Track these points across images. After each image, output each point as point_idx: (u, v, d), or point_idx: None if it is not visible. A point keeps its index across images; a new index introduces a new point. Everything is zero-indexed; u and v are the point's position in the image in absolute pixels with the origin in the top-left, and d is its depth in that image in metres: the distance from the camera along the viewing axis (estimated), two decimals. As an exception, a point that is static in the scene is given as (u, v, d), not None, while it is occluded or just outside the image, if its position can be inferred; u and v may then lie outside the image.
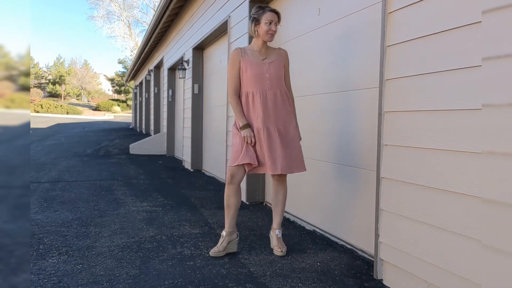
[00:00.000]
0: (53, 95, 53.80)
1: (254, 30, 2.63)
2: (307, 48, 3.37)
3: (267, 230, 3.21)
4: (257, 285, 2.19)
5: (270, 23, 2.58)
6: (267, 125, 2.58)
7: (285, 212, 3.70)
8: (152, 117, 13.32)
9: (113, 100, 49.33)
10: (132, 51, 34.72)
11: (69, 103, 45.08)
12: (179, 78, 7.55)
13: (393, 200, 2.15)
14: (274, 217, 2.79)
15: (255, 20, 2.61)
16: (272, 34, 2.60)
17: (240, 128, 2.60)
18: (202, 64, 6.76)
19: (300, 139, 2.73)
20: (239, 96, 2.66)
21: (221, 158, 5.48)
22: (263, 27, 2.59)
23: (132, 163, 7.60)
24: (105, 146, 10.74)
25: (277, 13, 2.62)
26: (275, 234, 2.75)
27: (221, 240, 2.67)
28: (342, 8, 2.87)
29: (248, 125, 2.59)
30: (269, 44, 2.75)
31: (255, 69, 2.60)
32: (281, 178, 2.73)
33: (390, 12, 2.17)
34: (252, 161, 2.54)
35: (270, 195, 2.81)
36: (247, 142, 2.56)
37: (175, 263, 2.48)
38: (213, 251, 2.62)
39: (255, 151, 2.59)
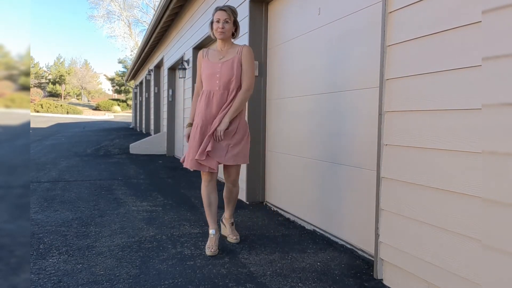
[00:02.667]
0: (53, 94, 53.83)
1: (212, 32, 2.73)
2: (307, 48, 3.37)
3: (267, 230, 3.22)
4: (257, 285, 2.19)
5: (218, 21, 2.65)
6: (205, 123, 2.67)
7: (285, 211, 3.71)
8: (152, 116, 13.32)
9: (113, 99, 49.33)
10: (132, 51, 34.73)
11: (69, 103, 45.09)
12: (179, 77, 7.56)
13: (393, 200, 2.15)
14: (227, 210, 2.98)
15: (211, 22, 2.71)
16: (220, 32, 2.65)
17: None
18: (202, 64, 6.76)
19: (248, 135, 2.81)
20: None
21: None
22: (214, 26, 2.68)
23: (132, 162, 7.60)
24: (105, 146, 10.74)
25: (226, 10, 2.65)
26: (228, 223, 2.95)
27: (214, 239, 2.70)
28: (342, 8, 2.87)
29: (190, 125, 2.79)
30: (235, 42, 2.83)
31: (209, 69, 2.71)
32: (233, 178, 2.90)
33: (390, 12, 2.17)
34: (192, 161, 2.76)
35: (225, 191, 3.02)
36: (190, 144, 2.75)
37: (175, 263, 2.49)
38: (213, 251, 2.62)
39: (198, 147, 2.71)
